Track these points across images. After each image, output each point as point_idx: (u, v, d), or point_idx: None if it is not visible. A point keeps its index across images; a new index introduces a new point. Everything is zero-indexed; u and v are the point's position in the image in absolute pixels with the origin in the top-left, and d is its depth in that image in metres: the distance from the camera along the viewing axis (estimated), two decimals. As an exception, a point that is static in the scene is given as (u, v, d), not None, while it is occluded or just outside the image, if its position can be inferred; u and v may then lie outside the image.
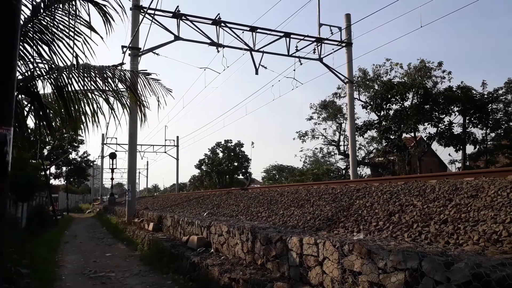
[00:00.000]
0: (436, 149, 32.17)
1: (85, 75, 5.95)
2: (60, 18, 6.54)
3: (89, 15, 6.46)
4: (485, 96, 26.17)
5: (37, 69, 6.30)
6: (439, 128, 26.97)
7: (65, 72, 5.92)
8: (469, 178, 6.69)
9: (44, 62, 6.38)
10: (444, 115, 26.71)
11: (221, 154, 57.35)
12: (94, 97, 6.44)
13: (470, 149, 27.90)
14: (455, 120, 27.05)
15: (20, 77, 6.14)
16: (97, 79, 6.06)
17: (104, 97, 6.41)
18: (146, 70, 6.93)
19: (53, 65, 6.23)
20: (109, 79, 6.18)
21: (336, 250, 4.38)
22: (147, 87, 6.68)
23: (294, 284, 4.91)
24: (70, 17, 6.39)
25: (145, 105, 6.63)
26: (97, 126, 6.46)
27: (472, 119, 26.44)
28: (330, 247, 4.50)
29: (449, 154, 47.91)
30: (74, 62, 6.16)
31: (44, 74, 6.14)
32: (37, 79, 6.16)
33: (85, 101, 6.33)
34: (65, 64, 6.31)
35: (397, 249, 3.72)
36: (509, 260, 3.08)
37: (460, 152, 27.66)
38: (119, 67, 6.57)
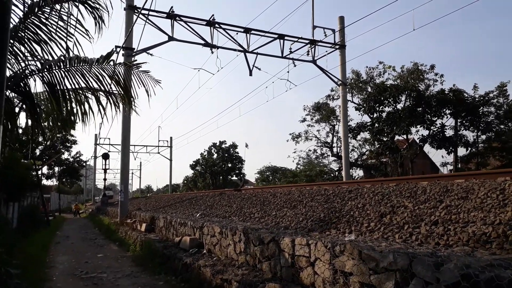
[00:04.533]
0: (428, 151, 32.45)
1: (77, 72, 5.92)
2: (53, 19, 6.51)
3: (81, 16, 6.44)
4: (477, 99, 26.41)
5: (28, 67, 6.26)
6: (431, 131, 27.15)
7: (56, 69, 5.90)
8: (460, 180, 6.76)
9: (36, 60, 6.35)
10: (436, 118, 26.90)
11: (215, 155, 57.32)
12: (86, 94, 6.42)
13: (461, 151, 28.15)
14: (447, 123, 27.26)
15: (11, 75, 6.10)
16: (89, 75, 6.04)
17: (96, 95, 6.39)
18: (136, 60, 6.94)
19: (46, 65, 6.20)
20: (100, 77, 6.16)
21: (327, 251, 4.40)
22: (137, 78, 6.70)
23: (286, 284, 4.93)
24: (63, 17, 6.37)
25: (133, 99, 6.64)
26: (88, 125, 6.44)
27: (464, 121, 26.65)
28: (321, 248, 4.52)
29: (442, 156, 48.26)
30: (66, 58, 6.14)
31: (36, 72, 6.11)
32: (29, 77, 6.13)
33: (77, 99, 6.31)
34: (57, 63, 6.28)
35: (388, 250, 3.75)
36: (498, 261, 3.11)
37: (452, 154, 27.88)
38: (111, 63, 6.52)
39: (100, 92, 6.49)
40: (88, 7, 6.53)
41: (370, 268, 3.77)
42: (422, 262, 3.29)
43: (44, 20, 6.40)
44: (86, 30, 6.46)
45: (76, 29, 6.42)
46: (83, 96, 6.49)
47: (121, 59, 16.51)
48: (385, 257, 3.63)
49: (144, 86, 6.74)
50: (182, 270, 7.39)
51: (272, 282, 5.05)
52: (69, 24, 6.34)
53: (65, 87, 6.10)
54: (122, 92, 6.56)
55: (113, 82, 6.40)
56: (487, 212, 4.66)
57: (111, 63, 6.53)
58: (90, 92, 6.46)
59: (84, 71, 6.10)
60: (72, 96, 6.36)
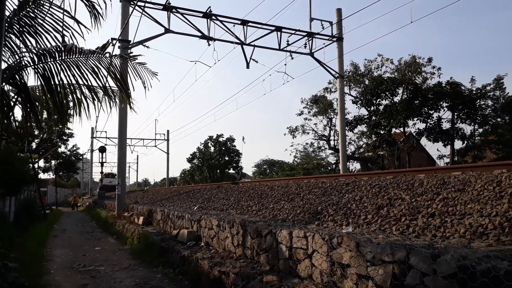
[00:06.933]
0: (425, 144, 32.47)
1: (73, 64, 5.87)
2: (48, 11, 6.43)
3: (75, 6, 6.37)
4: (474, 92, 26.43)
5: (24, 59, 6.20)
6: (428, 124, 27.21)
7: (51, 60, 5.84)
8: (457, 173, 6.78)
9: (31, 52, 6.28)
10: (433, 111, 26.92)
11: (212, 149, 57.27)
12: (82, 87, 6.37)
13: (458, 144, 28.24)
14: (444, 116, 27.31)
15: (6, 67, 6.05)
16: (85, 67, 5.99)
17: (91, 88, 6.35)
18: (132, 52, 6.90)
19: (40, 54, 6.14)
20: (96, 69, 6.10)
21: (325, 243, 4.42)
22: (133, 70, 6.65)
23: (283, 276, 4.95)
24: (59, 9, 6.30)
25: (130, 94, 6.59)
26: (87, 118, 6.40)
27: (461, 114, 26.69)
28: (319, 240, 4.53)
29: (438, 149, 48.47)
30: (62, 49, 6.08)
31: (31, 64, 6.05)
32: (24, 69, 6.07)
33: (72, 92, 6.26)
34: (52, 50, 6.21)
35: (385, 242, 3.76)
36: (494, 252, 3.13)
37: (449, 147, 27.96)
38: (108, 50, 6.47)
39: (96, 85, 6.45)
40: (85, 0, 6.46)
41: (368, 260, 3.79)
42: (419, 253, 3.30)
43: (39, 12, 6.33)
44: (82, 26, 6.39)
45: (73, 23, 6.36)
46: (78, 89, 6.45)
47: (117, 51, 16.42)
48: (382, 249, 3.65)
49: (141, 78, 6.69)
50: (180, 263, 7.41)
51: (270, 274, 5.08)
52: (64, 16, 6.27)
53: (60, 80, 6.06)
54: (118, 84, 6.52)
55: (109, 74, 6.35)
56: (483, 204, 4.68)
57: (107, 55, 6.47)
58: (85, 85, 6.42)
59: (80, 63, 6.05)
60: (67, 88, 6.32)
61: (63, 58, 5.98)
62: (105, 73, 6.25)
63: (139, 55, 6.92)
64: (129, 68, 6.66)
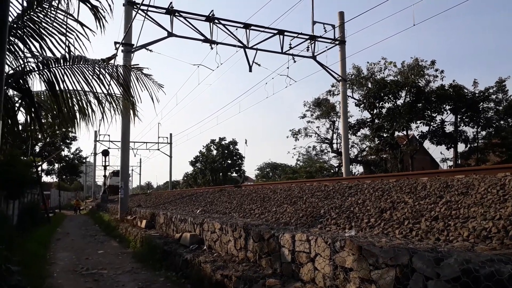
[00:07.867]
0: (428, 148, 32.42)
1: (77, 70, 5.90)
2: (52, 15, 6.47)
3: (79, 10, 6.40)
4: (477, 94, 26.37)
5: (28, 64, 6.23)
6: (431, 127, 27.16)
7: (56, 67, 5.87)
8: (460, 176, 6.76)
9: (35, 57, 6.32)
10: (436, 114, 26.88)
11: (215, 152, 57.32)
12: (87, 94, 6.40)
13: (461, 147, 28.16)
14: (447, 119, 27.26)
15: (11, 72, 6.08)
16: (89, 73, 6.02)
17: (96, 96, 6.37)
18: (138, 65, 6.91)
19: (45, 61, 6.17)
20: (101, 76, 6.14)
21: (328, 247, 4.40)
22: (139, 82, 6.66)
23: (286, 280, 4.94)
24: (63, 13, 6.34)
25: (135, 103, 6.61)
26: (91, 124, 6.43)
27: (464, 117, 26.63)
28: (322, 243, 4.52)
29: (441, 153, 48.33)
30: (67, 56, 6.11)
31: (36, 69, 6.08)
32: (28, 74, 6.11)
33: (77, 98, 6.29)
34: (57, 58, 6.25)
35: (388, 246, 3.75)
36: (498, 256, 3.11)
37: (452, 150, 27.88)
38: (111, 62, 6.51)
39: (101, 93, 6.48)
40: (88, 4, 6.49)
41: (370, 263, 3.78)
42: (422, 257, 3.29)
43: (43, 16, 6.37)
44: (86, 28, 6.41)
45: (76, 26, 6.39)
46: (83, 95, 6.48)
47: (120, 55, 16.49)
48: (385, 253, 3.63)
49: (147, 89, 6.71)
50: (182, 266, 7.41)
51: (272, 278, 5.06)
52: (67, 20, 6.30)
53: (65, 87, 6.09)
54: (123, 93, 6.54)
55: (113, 81, 6.37)
56: (487, 207, 4.66)
57: (112, 62, 6.50)
58: (90, 93, 6.46)
59: (85, 69, 6.08)
60: (72, 94, 6.35)
61: (68, 65, 6.02)
62: (109, 80, 6.29)
63: (145, 67, 6.93)
64: (135, 79, 6.67)
